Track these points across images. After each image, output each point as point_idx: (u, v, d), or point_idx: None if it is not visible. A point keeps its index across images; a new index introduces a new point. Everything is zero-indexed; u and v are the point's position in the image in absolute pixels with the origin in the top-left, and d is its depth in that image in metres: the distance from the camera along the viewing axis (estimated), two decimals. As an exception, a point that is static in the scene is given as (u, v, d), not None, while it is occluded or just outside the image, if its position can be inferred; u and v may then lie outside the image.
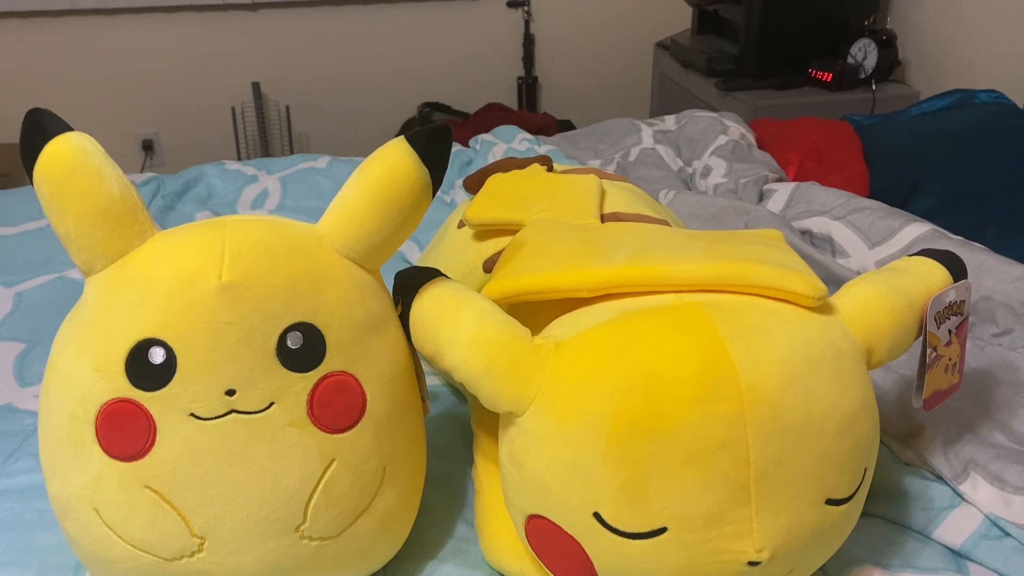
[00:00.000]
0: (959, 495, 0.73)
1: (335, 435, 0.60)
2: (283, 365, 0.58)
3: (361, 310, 0.62)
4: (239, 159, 2.62)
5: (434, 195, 0.65)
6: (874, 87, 2.19)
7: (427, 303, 0.65)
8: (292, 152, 2.70)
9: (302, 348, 0.59)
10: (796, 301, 0.62)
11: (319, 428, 0.59)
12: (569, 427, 0.58)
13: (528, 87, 2.80)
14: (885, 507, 0.73)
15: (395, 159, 0.63)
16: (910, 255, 0.72)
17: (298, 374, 0.59)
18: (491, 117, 2.48)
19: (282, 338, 0.58)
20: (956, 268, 0.70)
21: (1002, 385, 0.85)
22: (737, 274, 0.63)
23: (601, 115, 2.01)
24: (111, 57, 2.50)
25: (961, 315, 0.70)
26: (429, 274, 0.67)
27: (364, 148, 2.23)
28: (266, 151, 2.68)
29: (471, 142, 1.55)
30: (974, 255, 0.96)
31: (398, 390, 0.64)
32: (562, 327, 0.63)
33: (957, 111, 1.56)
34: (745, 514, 0.57)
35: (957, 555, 0.70)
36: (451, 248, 0.88)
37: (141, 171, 2.62)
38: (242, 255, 0.59)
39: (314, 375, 0.59)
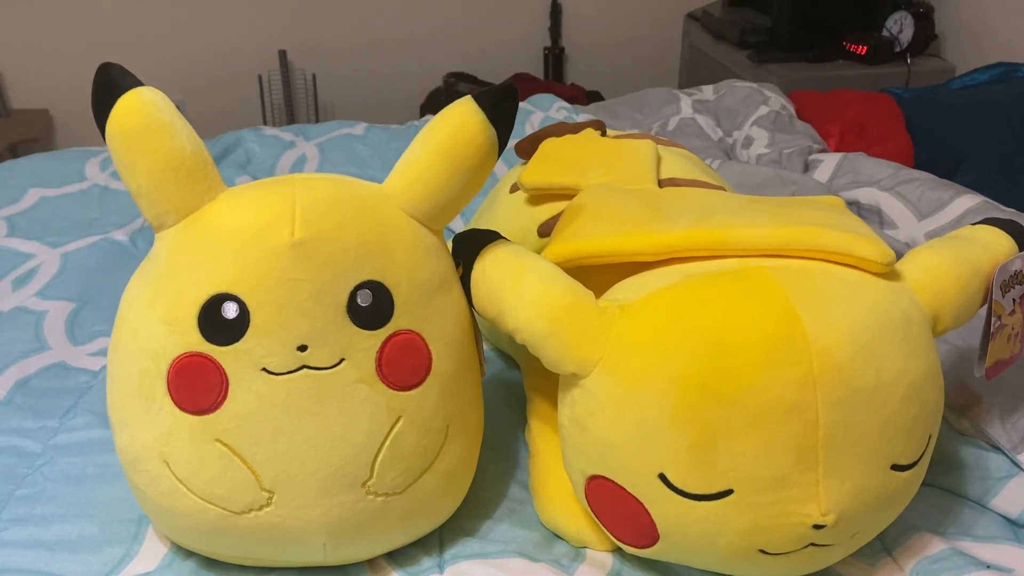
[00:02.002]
0: (1017, 465, 0.73)
1: (402, 392, 0.60)
2: (353, 322, 0.58)
3: (427, 270, 0.62)
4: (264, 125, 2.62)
5: (499, 155, 0.65)
6: (909, 61, 2.16)
7: (489, 265, 0.65)
8: (318, 120, 2.70)
9: (372, 306, 0.59)
10: (863, 267, 0.62)
11: (387, 385, 0.60)
12: (636, 389, 0.58)
13: (555, 57, 2.78)
14: (942, 476, 0.73)
15: (462, 119, 0.62)
16: (974, 224, 0.71)
17: (368, 331, 0.59)
18: (520, 88, 2.47)
19: (352, 295, 0.58)
20: (1021, 237, 0.69)
21: (1056, 358, 0.84)
22: (804, 239, 0.62)
23: (629, 87, 1.99)
24: (138, 24, 2.49)
25: (1025, 285, 0.69)
26: (490, 236, 0.67)
27: (389, 117, 2.22)
28: (292, 119, 2.67)
29: (507, 110, 1.54)
30: (1028, 227, 0.95)
31: (461, 350, 0.64)
32: (626, 290, 0.63)
33: (1000, 85, 1.54)
34: (812, 477, 0.57)
35: (1015, 524, 0.70)
36: (503, 213, 0.87)
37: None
38: (313, 212, 0.59)
39: (383, 333, 0.59)
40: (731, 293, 0.59)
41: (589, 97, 2.55)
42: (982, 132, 1.35)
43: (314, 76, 2.64)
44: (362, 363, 0.59)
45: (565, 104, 1.49)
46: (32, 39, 2.43)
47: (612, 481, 0.61)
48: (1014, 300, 0.68)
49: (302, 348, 0.57)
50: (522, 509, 0.73)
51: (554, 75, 2.81)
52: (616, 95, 1.70)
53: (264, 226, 0.58)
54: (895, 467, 0.59)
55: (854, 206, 1.12)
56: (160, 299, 0.59)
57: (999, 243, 0.68)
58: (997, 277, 0.66)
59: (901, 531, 0.69)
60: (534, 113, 1.47)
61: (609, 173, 0.79)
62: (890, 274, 0.63)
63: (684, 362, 0.57)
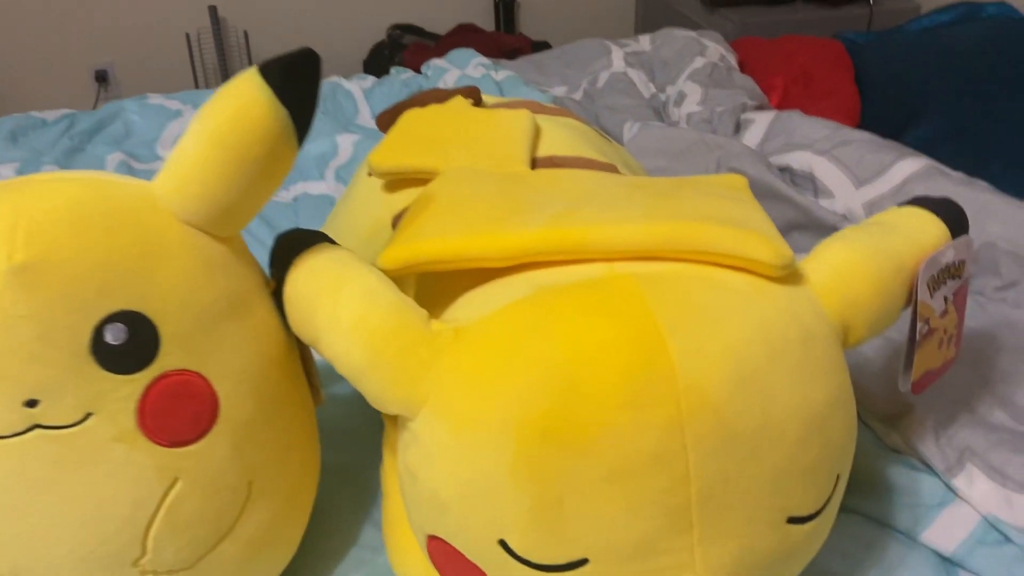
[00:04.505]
0: (952, 491, 0.61)
1: (177, 449, 0.48)
2: (101, 366, 0.46)
3: (210, 291, 0.50)
4: (197, 89, 2.46)
5: (301, 141, 0.52)
6: (872, 1, 2.03)
7: (302, 278, 0.53)
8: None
9: (126, 343, 0.46)
10: (756, 270, 0.50)
11: (154, 441, 0.47)
12: (468, 437, 0.47)
13: (505, 6, 2.62)
14: (865, 502, 0.62)
15: (243, 98, 0.49)
16: (901, 204, 0.59)
17: (122, 376, 0.46)
18: (463, 39, 2.32)
19: (98, 332, 0.46)
20: (955, 220, 0.57)
21: (1005, 351, 0.73)
22: (683, 237, 0.50)
23: (581, 36, 1.86)
24: (55, -19, 2.32)
25: (960, 278, 0.57)
26: (309, 240, 0.54)
27: (330, 75, 2.07)
28: (226, 80, 2.51)
29: (423, 67, 1.40)
30: (976, 195, 0.83)
31: (265, 387, 0.52)
32: (467, 307, 0.51)
33: (961, 26, 1.41)
34: (685, 542, 0.46)
35: (949, 562, 0.59)
36: (359, 201, 0.74)
37: (95, 106, 2.45)
38: (43, 227, 0.46)
39: (144, 376, 0.47)
40: (584, 312, 0.47)
41: (535, 48, 2.40)
42: (939, 81, 1.22)
43: (246, 33, 2.47)
44: (117, 416, 0.46)
45: (485, 60, 1.35)
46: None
47: (450, 545, 0.49)
48: (945, 298, 0.56)
49: (31, 403, 0.45)
50: (374, 559, 0.62)
51: (505, 26, 2.64)
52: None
53: (-27, 249, 0.45)
54: (792, 520, 0.48)
55: (787, 172, 0.99)
56: None
57: (927, 230, 0.56)
58: (923, 273, 0.54)
59: (814, 577, 0.58)
60: (448, 71, 1.33)
61: (474, 152, 0.66)
62: (789, 277, 0.51)
63: (524, 403, 0.45)
